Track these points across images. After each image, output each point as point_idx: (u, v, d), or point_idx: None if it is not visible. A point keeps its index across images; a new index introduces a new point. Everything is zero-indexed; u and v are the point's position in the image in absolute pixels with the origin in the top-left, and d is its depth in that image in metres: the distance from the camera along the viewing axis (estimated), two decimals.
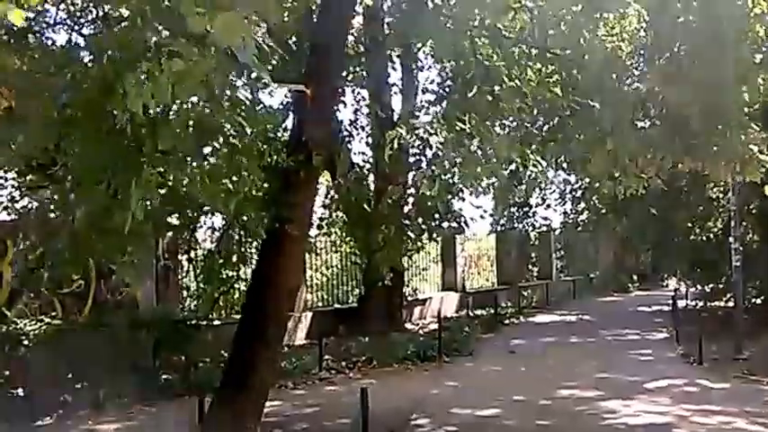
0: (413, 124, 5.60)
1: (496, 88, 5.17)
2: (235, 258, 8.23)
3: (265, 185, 5.82)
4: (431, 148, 5.23)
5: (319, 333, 14.17)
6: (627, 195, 7.51)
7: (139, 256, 7.14)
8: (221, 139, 5.65)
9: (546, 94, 5.38)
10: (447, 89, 8.15)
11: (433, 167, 5.27)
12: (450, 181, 5.72)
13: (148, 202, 4.89)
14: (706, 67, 5.45)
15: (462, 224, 9.62)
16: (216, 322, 12.75)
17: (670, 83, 5.54)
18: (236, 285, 15.43)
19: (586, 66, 6.06)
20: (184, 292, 13.90)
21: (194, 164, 5.51)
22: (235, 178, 5.86)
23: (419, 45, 9.74)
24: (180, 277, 12.82)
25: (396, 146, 5.17)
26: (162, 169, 5.15)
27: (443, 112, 6.65)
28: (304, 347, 13.27)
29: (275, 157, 5.97)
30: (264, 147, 6.17)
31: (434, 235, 9.72)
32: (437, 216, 9.00)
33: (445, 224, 9.66)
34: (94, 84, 4.84)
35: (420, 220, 8.20)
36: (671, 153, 5.86)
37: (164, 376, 9.86)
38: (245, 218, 6.03)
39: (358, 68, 12.59)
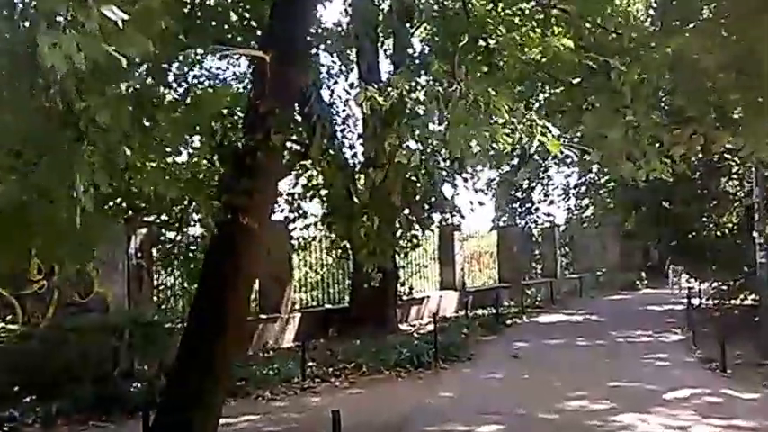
0: (388, 81, 4.66)
1: (491, 42, 4.25)
2: None
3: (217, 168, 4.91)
4: (408, 107, 4.25)
5: (306, 336, 13.30)
6: (639, 186, 6.55)
7: (88, 253, 6.19)
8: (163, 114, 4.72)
9: (552, 51, 4.44)
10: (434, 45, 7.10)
11: (414, 129, 4.28)
12: (434, 147, 4.70)
13: (94, 189, 3.97)
14: (749, 23, 4.47)
15: (456, 214, 8.54)
16: None
17: (704, 42, 4.55)
18: None
19: (603, 23, 5.10)
20: (165, 293, 13.08)
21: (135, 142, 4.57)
22: (180, 159, 4.93)
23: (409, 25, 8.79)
24: (156, 277, 11.92)
25: (369, 110, 4.19)
26: (102, 147, 4.22)
27: (428, 68, 5.68)
28: (291, 351, 12.34)
29: (230, 136, 5.03)
30: (217, 123, 5.24)
31: (426, 228, 8.62)
32: (426, 205, 7.93)
33: (437, 215, 8.59)
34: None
35: (407, 210, 7.11)
36: (704, 128, 4.85)
37: (132, 386, 8.91)
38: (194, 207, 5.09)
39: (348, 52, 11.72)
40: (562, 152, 4.97)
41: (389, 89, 3.97)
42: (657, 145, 5.11)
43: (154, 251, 11.30)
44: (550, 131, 4.10)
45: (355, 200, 7.17)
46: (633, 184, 6.19)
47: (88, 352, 9.22)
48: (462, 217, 8.37)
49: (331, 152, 6.88)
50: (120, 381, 9.07)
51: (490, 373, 9.55)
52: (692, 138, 4.95)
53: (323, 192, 7.90)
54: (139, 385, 8.73)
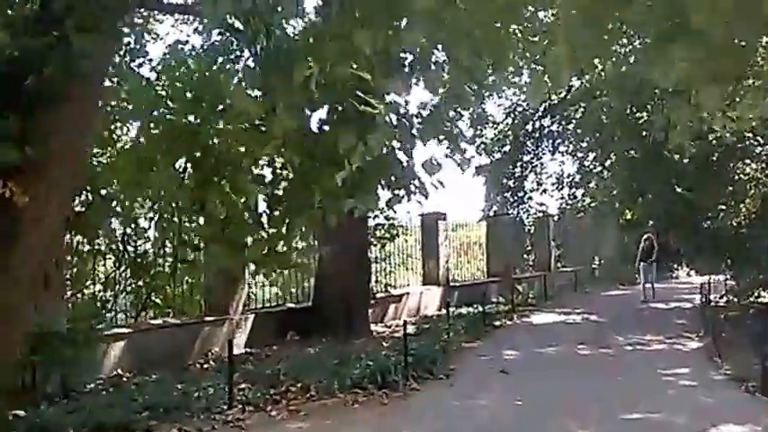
0: None
1: None
2: None
3: None
4: None
5: (258, 341, 11.30)
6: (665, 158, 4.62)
7: None
8: None
9: None
10: None
11: None
12: None
13: None
14: None
15: (417, 190, 6.31)
16: (123, 330, 9.87)
17: None
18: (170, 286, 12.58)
19: None
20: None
21: None
22: None
23: None
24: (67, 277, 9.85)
25: None
26: None
27: None
28: (238, 360, 10.32)
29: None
30: None
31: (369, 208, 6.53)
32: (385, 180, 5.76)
33: (385, 193, 6.24)
34: None
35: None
36: None
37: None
38: None
39: None
40: None
41: None
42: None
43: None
44: None
45: None
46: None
47: None
48: (425, 196, 6.23)
49: None
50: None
51: (472, 398, 7.52)
52: None
53: None
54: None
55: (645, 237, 17.65)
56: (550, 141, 26.92)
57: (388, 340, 11.33)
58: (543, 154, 27.13)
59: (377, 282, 14.66)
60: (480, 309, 13.64)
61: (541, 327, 13.35)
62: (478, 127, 26.95)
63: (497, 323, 13.37)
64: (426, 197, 6.03)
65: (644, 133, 14.51)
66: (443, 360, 9.25)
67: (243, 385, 7.75)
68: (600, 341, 11.18)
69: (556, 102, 26.60)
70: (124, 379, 8.99)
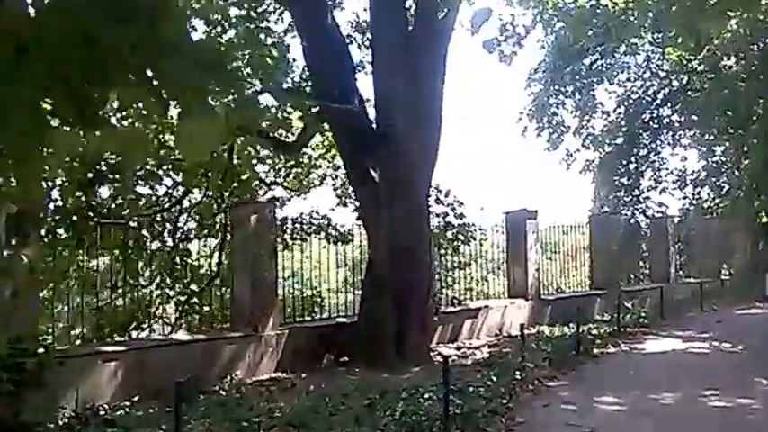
0: None
1: None
2: None
3: None
4: None
5: (292, 364, 9.19)
6: None
7: None
8: None
9: None
10: None
11: None
12: None
13: None
14: None
15: None
16: (112, 348, 8.06)
17: None
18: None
19: None
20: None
21: None
22: None
23: None
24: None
25: None
26: None
27: None
28: (264, 387, 8.28)
29: None
30: None
31: None
32: None
33: None
34: None
35: None
36: None
37: None
38: None
39: None
40: None
41: None
42: None
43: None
44: None
45: None
46: None
47: None
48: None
49: None
50: None
51: None
52: None
53: None
54: None
55: None
56: (670, 133, 23.58)
57: (450, 368, 8.85)
58: (662, 147, 23.93)
59: (442, 293, 12.22)
60: (576, 328, 10.81)
61: (655, 358, 10.35)
62: (585, 117, 24.00)
63: (596, 350, 10.53)
64: None
65: None
66: (507, 409, 6.67)
67: None
68: (737, 384, 8.15)
69: (676, 88, 23.16)
70: (101, 413, 7.16)
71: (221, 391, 8.08)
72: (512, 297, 13.74)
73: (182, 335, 9.29)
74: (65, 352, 7.69)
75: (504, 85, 55.44)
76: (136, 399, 7.42)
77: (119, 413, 7.15)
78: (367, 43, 12.11)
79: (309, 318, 10.68)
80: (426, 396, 6.76)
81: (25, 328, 6.94)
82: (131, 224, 11.01)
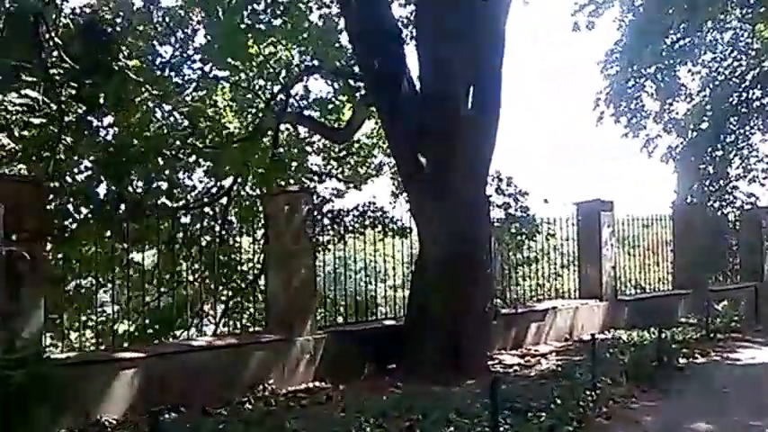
0: None
1: None
2: None
3: None
4: None
5: (330, 372, 8.27)
6: None
7: None
8: None
9: None
10: None
11: None
12: None
13: None
14: None
15: None
16: (128, 355, 7.31)
17: None
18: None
19: None
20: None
21: None
22: None
23: None
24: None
25: None
26: None
27: None
28: (297, 399, 7.39)
29: None
30: None
31: None
32: None
33: None
34: None
35: None
36: None
37: None
38: None
39: None
40: None
41: None
42: None
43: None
44: None
45: None
46: None
47: None
48: None
49: None
50: None
51: None
52: None
53: None
54: None
55: None
56: (760, 117, 21.57)
57: (508, 382, 7.69)
58: (752, 133, 21.90)
59: (504, 293, 11.03)
60: (657, 334, 9.36)
61: (754, 372, 8.86)
62: (667, 100, 22.19)
63: (682, 360, 9.12)
64: None
65: None
66: None
67: None
68: None
69: (767, 68, 21.15)
70: (108, 430, 6.41)
71: (248, 404, 7.23)
72: (584, 297, 12.40)
73: (208, 339, 8.47)
74: (81, 357, 7.04)
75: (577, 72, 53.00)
76: (151, 412, 6.63)
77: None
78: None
79: (353, 320, 9.69)
80: (476, 420, 5.64)
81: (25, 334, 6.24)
82: (180, 216, 10.41)
